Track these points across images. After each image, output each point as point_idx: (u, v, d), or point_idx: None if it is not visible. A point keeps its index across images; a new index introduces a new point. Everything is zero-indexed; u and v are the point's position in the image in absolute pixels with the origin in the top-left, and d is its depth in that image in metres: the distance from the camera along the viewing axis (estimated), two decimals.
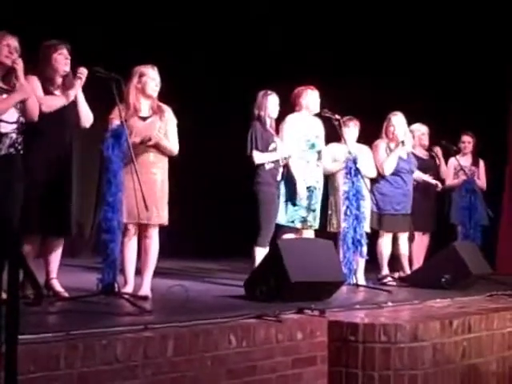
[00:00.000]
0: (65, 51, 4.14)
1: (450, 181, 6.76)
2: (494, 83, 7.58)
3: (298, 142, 5.42)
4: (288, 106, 5.51)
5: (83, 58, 4.27)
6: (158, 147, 4.38)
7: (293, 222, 5.37)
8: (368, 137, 6.07)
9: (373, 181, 5.90)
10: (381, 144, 5.99)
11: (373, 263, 5.80)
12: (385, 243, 5.96)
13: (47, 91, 4.09)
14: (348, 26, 7.94)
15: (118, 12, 6.92)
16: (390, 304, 4.51)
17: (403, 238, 6.11)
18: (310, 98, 5.50)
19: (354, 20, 7.95)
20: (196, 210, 8.69)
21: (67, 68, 4.15)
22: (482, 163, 6.94)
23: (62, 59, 4.12)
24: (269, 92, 5.30)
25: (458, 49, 7.78)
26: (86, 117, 4.23)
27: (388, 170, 5.93)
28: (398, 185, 5.96)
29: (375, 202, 5.86)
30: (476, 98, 7.67)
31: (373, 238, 5.79)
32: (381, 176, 5.92)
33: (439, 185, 6.46)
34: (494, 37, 7.55)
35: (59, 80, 4.15)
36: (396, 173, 5.95)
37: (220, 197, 8.90)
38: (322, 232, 5.57)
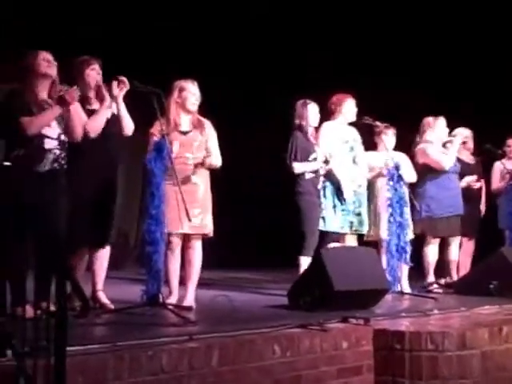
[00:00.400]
0: (97, 66, 4.24)
1: (496, 185, 6.63)
2: None
3: (337, 146, 5.41)
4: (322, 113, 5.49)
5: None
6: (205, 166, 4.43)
7: (342, 227, 5.35)
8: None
9: (417, 186, 5.83)
10: (428, 146, 5.91)
11: (418, 270, 5.72)
12: (432, 250, 5.87)
13: (86, 108, 4.17)
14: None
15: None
16: (436, 311, 4.44)
17: (455, 243, 6.03)
18: (350, 106, 5.49)
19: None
20: (238, 221, 8.71)
21: (100, 82, 4.25)
22: None
23: (95, 74, 4.23)
24: (308, 101, 5.30)
25: (497, 48, 7.66)
26: (128, 125, 4.31)
27: (449, 164, 5.87)
28: (446, 187, 5.89)
29: (424, 206, 5.78)
30: None
31: (417, 244, 5.69)
32: (426, 180, 5.84)
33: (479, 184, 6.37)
34: None
35: (92, 95, 4.25)
36: (443, 175, 5.88)
37: (263, 206, 8.90)
38: (360, 240, 5.54)
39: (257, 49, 7.94)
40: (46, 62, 3.84)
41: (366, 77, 7.45)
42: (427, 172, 5.87)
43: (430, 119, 6.01)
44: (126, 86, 4.21)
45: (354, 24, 7.84)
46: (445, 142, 6.00)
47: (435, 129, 5.96)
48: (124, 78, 4.22)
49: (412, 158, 5.94)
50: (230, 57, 7.90)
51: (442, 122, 5.98)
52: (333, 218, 5.30)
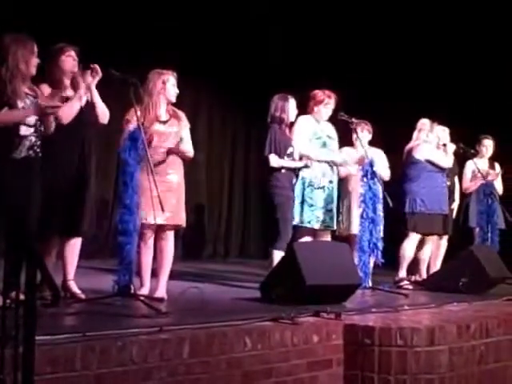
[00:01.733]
0: (72, 53, 4.19)
1: (467, 184, 6.72)
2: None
3: (310, 142, 5.45)
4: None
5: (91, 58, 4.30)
6: (178, 154, 4.42)
7: (309, 222, 5.38)
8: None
9: (412, 181, 5.90)
10: (428, 144, 6.00)
11: (388, 267, 5.77)
12: (411, 245, 5.94)
13: (60, 96, 4.12)
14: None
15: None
16: (406, 308, 4.48)
17: (429, 242, 6.12)
18: (326, 107, 5.53)
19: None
20: (213, 213, 8.71)
21: (75, 69, 4.20)
22: (498, 166, 6.89)
23: (70, 61, 4.18)
24: (289, 96, 5.32)
25: (474, 50, 7.77)
26: (103, 113, 4.28)
27: (449, 163, 6.09)
28: (439, 185, 5.97)
29: (419, 201, 5.85)
30: (492, 99, 7.65)
31: (388, 240, 5.75)
32: (422, 176, 5.91)
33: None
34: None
35: (67, 82, 4.20)
36: (437, 173, 5.97)
37: (237, 199, 8.92)
38: (332, 235, 5.58)
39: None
40: (36, 60, 3.80)
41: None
42: (422, 168, 5.94)
43: (426, 121, 6.10)
44: (99, 74, 4.17)
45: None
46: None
47: (433, 131, 6.06)
48: (97, 66, 4.18)
49: (408, 153, 6.03)
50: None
51: (436, 126, 6.12)
52: (299, 213, 5.33)
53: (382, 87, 7.87)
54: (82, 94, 4.14)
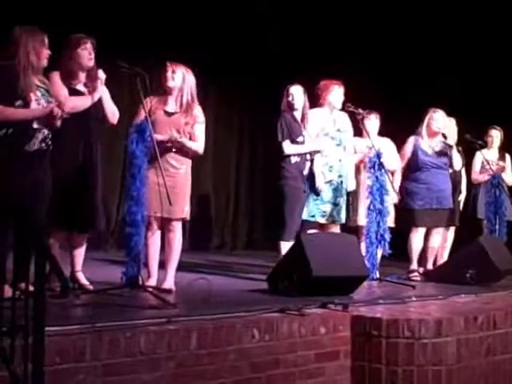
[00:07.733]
0: (89, 46, 4.15)
1: (476, 175, 6.70)
2: None
3: (320, 137, 5.42)
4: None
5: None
6: (182, 148, 4.40)
7: (313, 216, 5.37)
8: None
9: (404, 176, 5.90)
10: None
11: (397, 258, 5.76)
12: (418, 238, 5.91)
13: (70, 86, 4.12)
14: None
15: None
16: (413, 299, 4.49)
17: (436, 232, 6.09)
18: (336, 94, 5.49)
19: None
20: (220, 204, 8.72)
21: (91, 63, 4.17)
22: (508, 157, 6.86)
23: (86, 54, 4.14)
24: (295, 83, 5.29)
25: (484, 41, 7.72)
26: (112, 113, 4.26)
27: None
28: (429, 180, 5.94)
29: (409, 197, 5.84)
30: (503, 90, 7.61)
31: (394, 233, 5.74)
32: (415, 171, 5.90)
33: None
34: None
35: (82, 75, 4.18)
36: (432, 167, 5.95)
37: (244, 190, 8.92)
38: (341, 226, 5.59)
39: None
40: (47, 52, 3.81)
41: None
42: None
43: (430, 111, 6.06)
44: (103, 79, 4.16)
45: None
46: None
47: (424, 121, 6.03)
48: (100, 71, 4.17)
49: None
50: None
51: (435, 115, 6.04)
52: (305, 206, 5.31)
53: (384, 79, 7.84)
54: (95, 96, 4.13)
